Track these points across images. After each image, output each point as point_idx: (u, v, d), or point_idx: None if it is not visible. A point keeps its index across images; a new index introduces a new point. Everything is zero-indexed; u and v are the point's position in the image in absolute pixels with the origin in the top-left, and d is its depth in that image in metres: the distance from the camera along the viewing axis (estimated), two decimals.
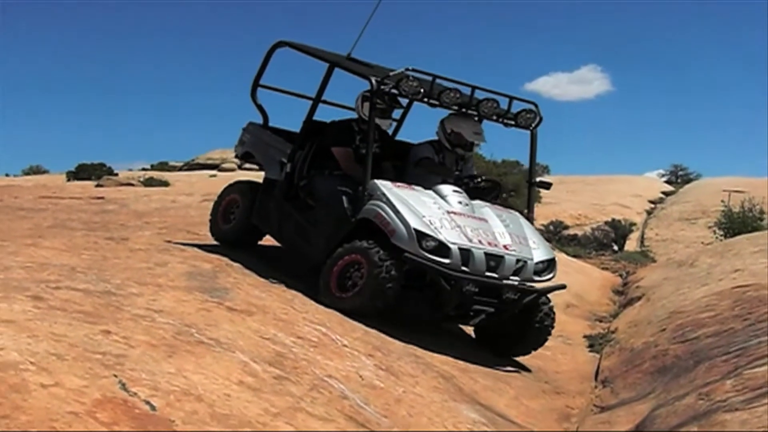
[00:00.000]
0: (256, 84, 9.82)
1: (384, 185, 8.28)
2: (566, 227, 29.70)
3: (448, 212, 8.29)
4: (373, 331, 7.33)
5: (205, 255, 8.48)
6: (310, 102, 9.43)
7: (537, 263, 8.46)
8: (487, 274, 8.13)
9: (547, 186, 9.42)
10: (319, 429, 4.31)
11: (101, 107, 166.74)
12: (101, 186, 30.88)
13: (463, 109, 8.98)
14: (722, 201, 25.17)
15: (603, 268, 18.28)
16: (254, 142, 9.84)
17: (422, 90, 8.57)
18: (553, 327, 8.72)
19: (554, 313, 8.69)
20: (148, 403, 3.83)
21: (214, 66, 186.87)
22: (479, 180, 9.22)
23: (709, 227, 24.47)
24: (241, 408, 4.16)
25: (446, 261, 7.94)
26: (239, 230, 9.60)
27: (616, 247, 25.31)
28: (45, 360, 3.97)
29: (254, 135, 9.86)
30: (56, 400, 3.56)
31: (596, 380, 8.58)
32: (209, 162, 59.99)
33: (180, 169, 58.97)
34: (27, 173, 56.27)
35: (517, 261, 8.29)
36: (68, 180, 41.18)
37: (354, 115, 9.39)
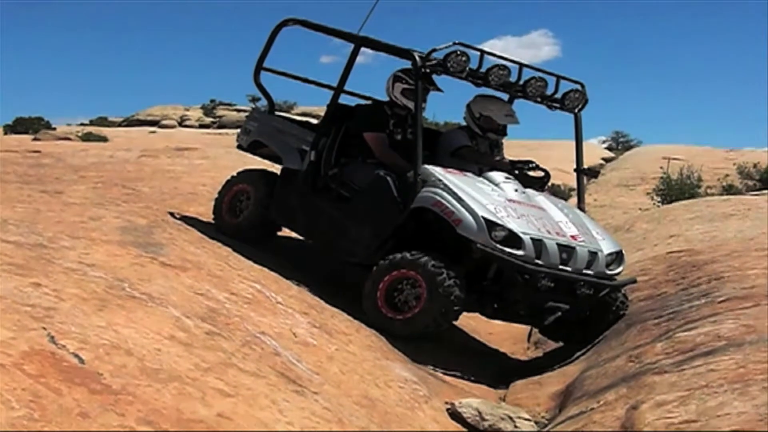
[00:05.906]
0: (259, 67, 8.93)
1: (437, 171, 7.46)
2: None
3: (508, 200, 7.52)
4: (308, 289, 7.30)
5: (141, 210, 8.36)
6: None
7: (607, 255, 7.66)
8: (560, 267, 7.33)
9: (595, 174, 8.71)
10: (251, 385, 4.30)
11: (40, 60, 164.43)
12: (38, 140, 30.27)
13: (508, 90, 8.29)
14: (661, 168, 25.39)
15: None
16: (264, 130, 8.92)
17: (469, 68, 7.71)
18: (625, 313, 7.76)
19: (628, 300, 7.89)
20: (76, 356, 3.79)
21: (157, 21, 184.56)
22: (533, 165, 8.37)
23: (648, 194, 24.63)
24: (171, 362, 4.14)
25: (519, 253, 7.09)
26: (252, 225, 8.60)
27: None
28: None
29: (263, 123, 8.99)
30: None
31: (528, 342, 8.68)
32: (149, 118, 59.67)
33: (119, 125, 58.50)
34: None
35: (590, 253, 7.54)
36: (5, 134, 40.49)
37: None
